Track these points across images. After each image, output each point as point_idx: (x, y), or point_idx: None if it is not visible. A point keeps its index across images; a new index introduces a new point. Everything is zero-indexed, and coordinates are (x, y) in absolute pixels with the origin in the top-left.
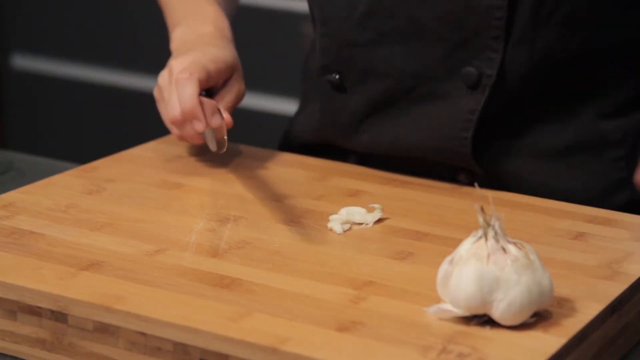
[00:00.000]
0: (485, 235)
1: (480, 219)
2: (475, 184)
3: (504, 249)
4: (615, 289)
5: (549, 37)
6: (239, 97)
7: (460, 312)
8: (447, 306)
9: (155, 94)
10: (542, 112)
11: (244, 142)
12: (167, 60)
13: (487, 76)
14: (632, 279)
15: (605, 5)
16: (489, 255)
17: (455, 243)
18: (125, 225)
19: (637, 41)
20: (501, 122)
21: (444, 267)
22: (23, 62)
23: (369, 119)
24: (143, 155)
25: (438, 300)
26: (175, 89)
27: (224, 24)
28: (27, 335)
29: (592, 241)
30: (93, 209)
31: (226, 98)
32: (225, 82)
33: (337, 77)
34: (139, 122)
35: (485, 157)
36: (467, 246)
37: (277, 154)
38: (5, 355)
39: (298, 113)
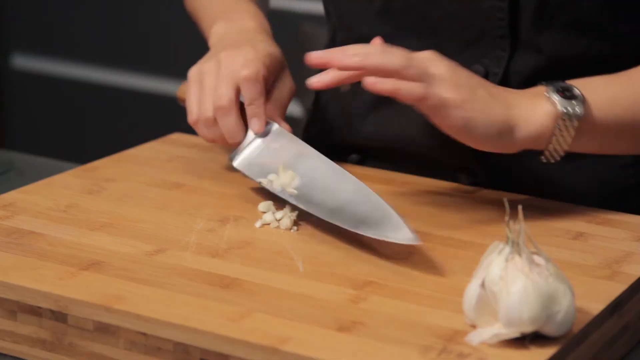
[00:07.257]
0: (519, 251)
1: (511, 236)
2: (505, 200)
3: (533, 261)
4: (615, 289)
5: (554, 42)
6: (292, 95)
7: (515, 333)
8: (495, 330)
9: (193, 76)
10: None
11: None
12: (165, 60)
13: (494, 74)
14: (632, 279)
15: (609, 13)
16: (531, 270)
17: (456, 243)
18: (126, 225)
19: None
20: None
21: (476, 290)
22: (23, 62)
23: (376, 110)
24: (143, 155)
25: (438, 300)
26: (241, 87)
27: (263, 19)
28: (27, 335)
29: (592, 241)
30: (93, 209)
31: (279, 101)
32: (274, 81)
33: None
34: (139, 122)
35: (486, 157)
36: (500, 265)
37: None
38: (5, 355)
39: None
